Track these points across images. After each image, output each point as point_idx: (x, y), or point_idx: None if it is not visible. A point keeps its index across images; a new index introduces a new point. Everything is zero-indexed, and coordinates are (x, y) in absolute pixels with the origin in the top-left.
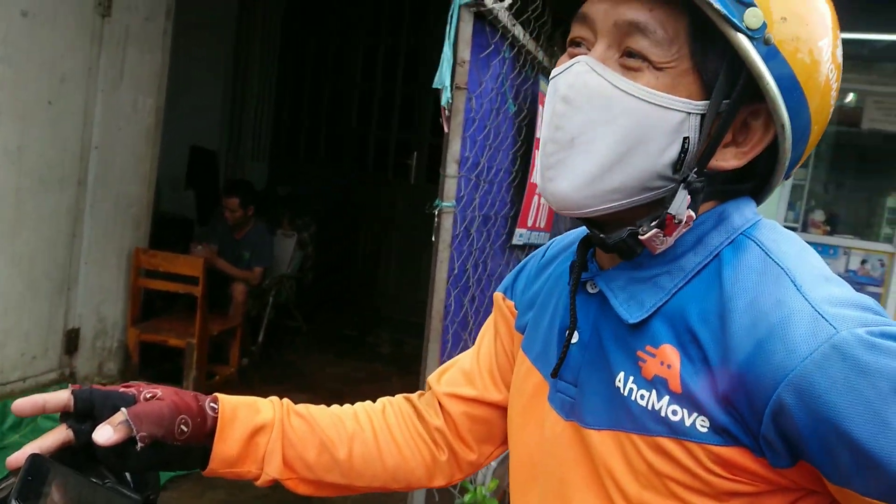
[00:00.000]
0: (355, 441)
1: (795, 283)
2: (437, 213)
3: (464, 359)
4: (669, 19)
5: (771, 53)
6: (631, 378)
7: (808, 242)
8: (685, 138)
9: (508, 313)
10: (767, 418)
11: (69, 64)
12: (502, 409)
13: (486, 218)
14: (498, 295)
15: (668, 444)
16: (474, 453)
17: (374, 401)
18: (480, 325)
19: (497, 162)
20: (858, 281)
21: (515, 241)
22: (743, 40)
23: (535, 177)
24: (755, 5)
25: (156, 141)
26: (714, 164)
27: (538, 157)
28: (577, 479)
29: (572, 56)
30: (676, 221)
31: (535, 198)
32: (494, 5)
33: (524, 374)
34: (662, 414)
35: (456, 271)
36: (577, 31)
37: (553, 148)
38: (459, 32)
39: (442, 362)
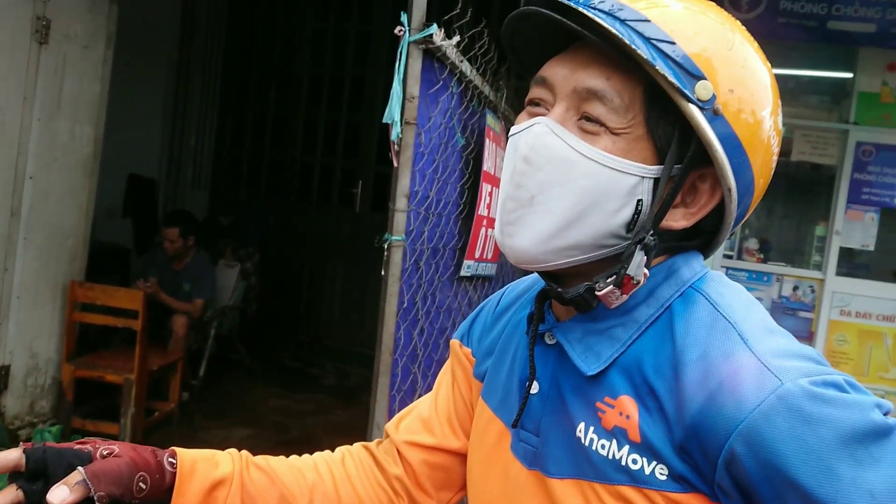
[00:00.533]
0: (316, 492)
1: (742, 336)
2: (386, 246)
3: (422, 405)
4: (626, 87)
5: (719, 122)
6: (591, 428)
7: (742, 269)
8: (639, 200)
9: (466, 361)
10: (721, 467)
11: (3, 92)
12: (461, 455)
13: (435, 250)
14: (454, 342)
15: (629, 492)
16: (433, 500)
17: (319, 434)
18: (430, 357)
19: (445, 195)
20: (791, 307)
21: (463, 272)
22: (694, 111)
23: (495, 229)
24: (706, 78)
25: (93, 171)
26: (665, 225)
27: (497, 212)
28: None
29: (532, 115)
30: (635, 282)
31: (483, 229)
32: (443, 42)
33: (485, 422)
34: (623, 463)
35: (405, 304)
36: (536, 92)
37: (513, 205)
38: (409, 69)
39: (392, 396)
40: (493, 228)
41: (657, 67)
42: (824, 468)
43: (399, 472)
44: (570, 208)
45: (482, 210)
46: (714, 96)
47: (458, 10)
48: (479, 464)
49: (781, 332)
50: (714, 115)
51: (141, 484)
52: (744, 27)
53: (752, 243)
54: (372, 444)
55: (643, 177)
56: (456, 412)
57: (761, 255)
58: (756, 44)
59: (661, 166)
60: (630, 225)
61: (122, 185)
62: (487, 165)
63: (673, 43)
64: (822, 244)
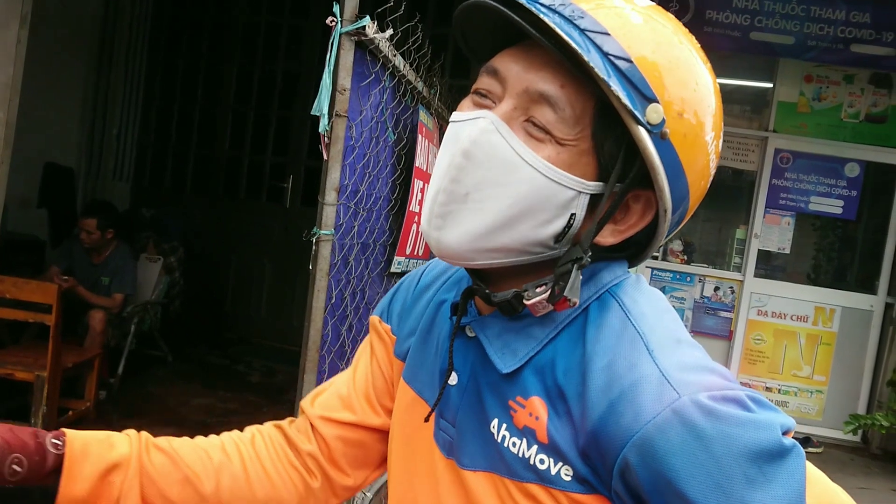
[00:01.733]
0: (223, 473)
1: (648, 347)
2: (314, 241)
3: (339, 382)
4: (578, 99)
5: (665, 146)
6: (504, 425)
7: (666, 270)
8: (572, 214)
9: (386, 337)
10: (616, 474)
11: None
12: (380, 433)
13: (365, 246)
14: (374, 318)
15: (537, 490)
16: (350, 478)
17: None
18: None
19: (376, 190)
20: (712, 307)
21: (394, 268)
22: (643, 134)
23: (422, 219)
24: (658, 101)
25: (4, 158)
26: (595, 240)
27: (426, 202)
28: None
29: (477, 105)
30: (571, 303)
31: (414, 226)
32: (375, 35)
33: (409, 403)
34: (532, 462)
35: (333, 300)
36: (485, 82)
37: (445, 198)
38: (340, 60)
39: None
40: None
41: (613, 88)
42: (713, 484)
43: (312, 448)
44: (503, 211)
45: (413, 206)
46: (664, 120)
47: (391, 3)
48: (402, 445)
49: (690, 343)
50: (661, 140)
51: (14, 466)
52: (697, 45)
53: (677, 245)
54: (284, 423)
55: (580, 192)
56: (374, 388)
57: (685, 257)
58: (705, 57)
59: (600, 183)
60: (559, 237)
61: (38, 174)
62: (419, 162)
63: (630, 61)
64: (742, 247)
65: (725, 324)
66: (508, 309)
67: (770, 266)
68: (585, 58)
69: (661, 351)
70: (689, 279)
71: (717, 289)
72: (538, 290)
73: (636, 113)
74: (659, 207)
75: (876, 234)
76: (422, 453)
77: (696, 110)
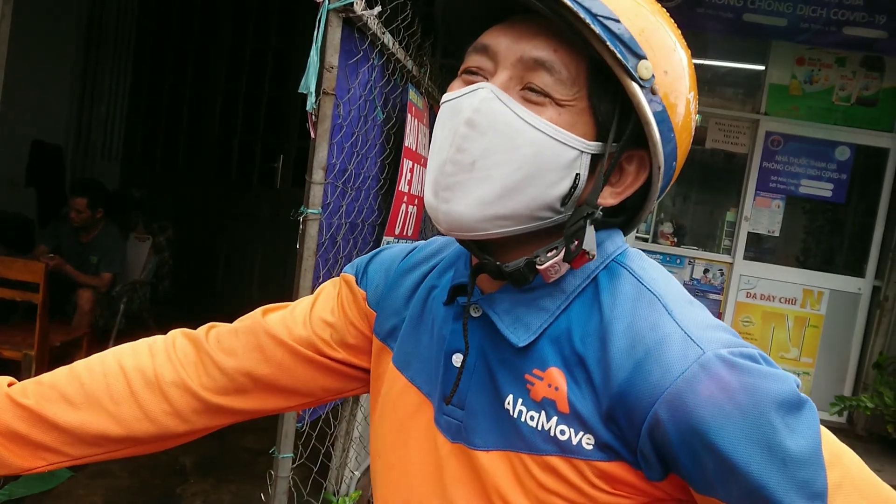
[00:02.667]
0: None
1: (667, 308)
2: (301, 220)
3: (298, 311)
4: (572, 60)
5: (655, 102)
6: (520, 400)
7: (657, 252)
8: (577, 175)
9: (362, 301)
10: (644, 433)
11: None
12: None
13: (353, 226)
14: (349, 277)
15: (557, 462)
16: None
17: None
18: None
19: (365, 169)
20: (702, 289)
21: None
22: (636, 89)
23: (426, 194)
24: (646, 58)
25: None
26: (597, 201)
27: (430, 176)
28: (465, 499)
29: (468, 83)
30: (590, 256)
31: (403, 206)
32: (364, 12)
33: (399, 390)
34: (552, 434)
35: (321, 280)
36: (474, 60)
37: (452, 169)
38: (328, 37)
39: None
40: (414, 206)
41: (607, 44)
42: (740, 434)
43: (235, 364)
44: (510, 175)
45: (403, 186)
46: (653, 76)
47: None
48: (392, 432)
49: (698, 304)
50: (652, 95)
51: None
52: (665, 11)
53: (667, 227)
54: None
55: (583, 151)
56: (334, 332)
57: (675, 239)
58: (678, 29)
59: (600, 143)
60: (565, 199)
61: (26, 152)
62: (409, 141)
63: (618, 21)
64: (732, 229)
65: (714, 306)
66: (521, 278)
67: (759, 249)
68: (581, 14)
69: (679, 311)
70: (679, 261)
71: (706, 271)
72: (549, 254)
73: (629, 67)
74: (653, 164)
75: (865, 218)
76: (418, 440)
77: (677, 70)
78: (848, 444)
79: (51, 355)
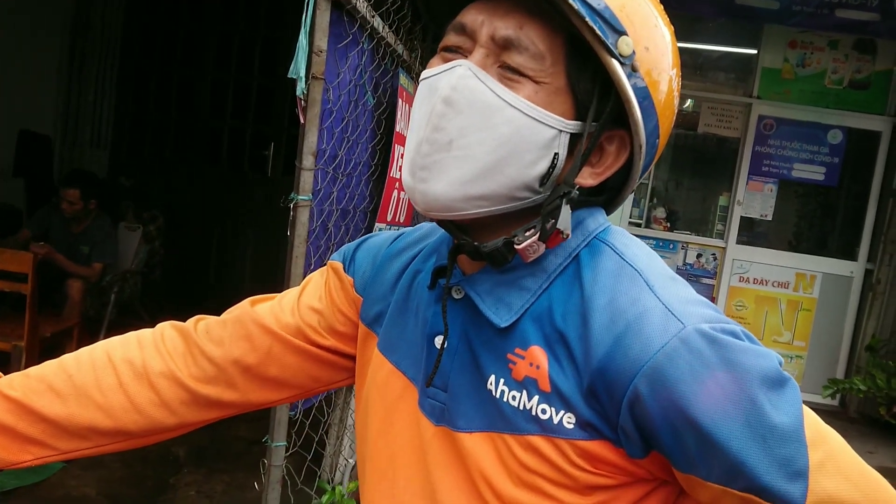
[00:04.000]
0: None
1: (648, 283)
2: (292, 206)
3: (286, 301)
4: (543, 36)
5: (636, 79)
6: (502, 380)
7: (650, 237)
8: (555, 154)
9: (350, 288)
10: (625, 408)
11: None
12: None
13: (345, 212)
14: (336, 264)
15: (539, 441)
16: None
17: None
18: None
19: (356, 155)
20: (695, 273)
21: None
22: (616, 65)
23: (403, 174)
24: (627, 34)
25: None
26: (576, 181)
27: (408, 156)
28: (449, 482)
29: (446, 60)
30: (564, 236)
31: (395, 192)
32: None
33: (385, 375)
34: (533, 413)
35: (312, 267)
36: (452, 39)
37: (428, 148)
38: (316, 21)
39: None
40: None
41: (586, 19)
42: (720, 409)
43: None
44: (488, 154)
45: (394, 172)
46: (633, 52)
47: None
48: (378, 419)
49: (681, 280)
50: (632, 72)
51: None
52: None
53: (660, 212)
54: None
55: (561, 130)
56: (323, 318)
57: (668, 224)
58: (661, 6)
59: (578, 122)
60: (544, 178)
61: (13, 141)
62: (400, 127)
63: None
64: (725, 214)
65: (708, 290)
66: (499, 258)
67: (752, 233)
68: None
69: (660, 286)
70: (672, 246)
71: (699, 256)
72: (527, 233)
73: (609, 44)
74: (634, 143)
75: (857, 201)
76: (402, 424)
77: (659, 46)
78: (840, 427)
79: (41, 346)
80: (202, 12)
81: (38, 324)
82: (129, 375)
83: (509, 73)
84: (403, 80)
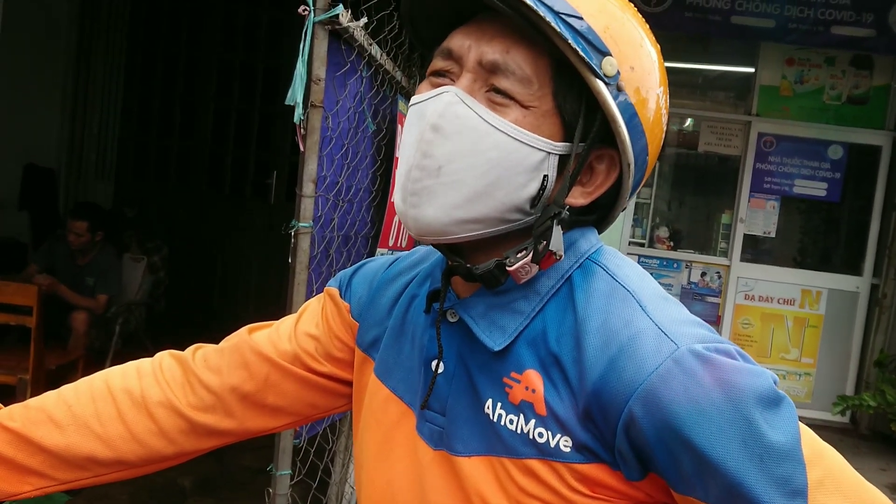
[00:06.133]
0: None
1: (641, 304)
2: (293, 233)
3: (282, 329)
4: (527, 60)
5: (622, 98)
6: (499, 404)
7: (653, 257)
8: (545, 176)
9: (346, 314)
10: (620, 431)
11: None
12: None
13: (346, 238)
14: (333, 290)
15: (536, 465)
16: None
17: None
18: None
19: (357, 181)
20: (699, 292)
21: None
22: (601, 86)
23: (395, 199)
24: (611, 54)
25: None
26: (566, 201)
27: (399, 181)
28: None
29: (435, 85)
30: (557, 257)
31: (396, 217)
32: (350, 24)
33: (382, 402)
34: (531, 437)
35: (314, 294)
36: (439, 63)
37: (418, 174)
38: (314, 50)
39: None
40: None
41: (569, 41)
42: (716, 430)
43: (221, 382)
44: (478, 180)
45: (395, 201)
46: (618, 72)
47: None
48: (375, 444)
49: (674, 300)
50: (618, 92)
51: None
52: (634, 7)
53: (663, 231)
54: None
55: (549, 153)
56: (320, 345)
57: (671, 243)
58: (646, 25)
59: (567, 143)
60: (534, 200)
61: (18, 176)
62: (400, 152)
63: (581, 18)
64: (728, 232)
65: (713, 309)
66: (492, 280)
67: (756, 250)
68: (541, 12)
69: (653, 307)
70: (675, 265)
71: (703, 274)
72: (519, 255)
73: (593, 65)
74: (622, 162)
75: (860, 216)
76: (401, 450)
77: (645, 65)
78: (852, 444)
79: (46, 379)
80: (202, 43)
81: (44, 356)
82: (127, 405)
83: (498, 97)
84: (402, 106)
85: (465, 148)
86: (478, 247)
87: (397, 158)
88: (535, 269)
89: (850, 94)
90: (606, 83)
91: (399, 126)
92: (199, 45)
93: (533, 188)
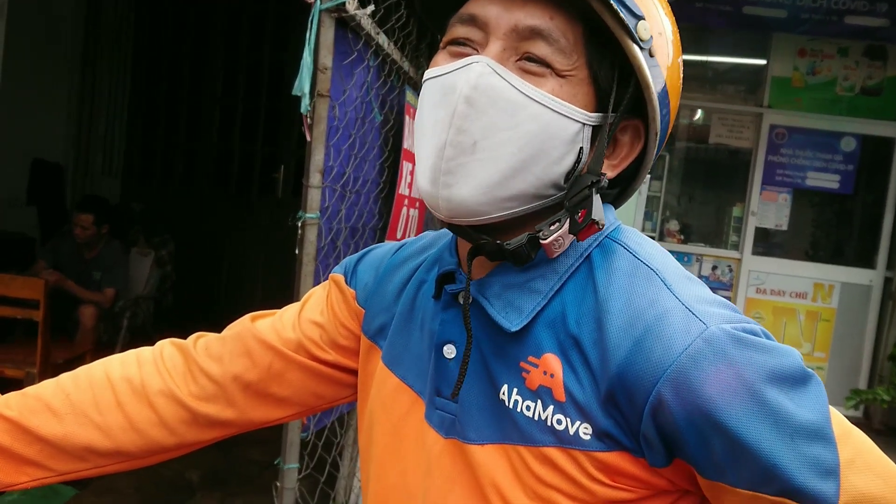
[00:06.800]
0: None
1: (665, 282)
2: (300, 224)
3: (286, 317)
4: (569, 27)
5: (653, 65)
6: (515, 390)
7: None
8: (580, 148)
9: (352, 301)
10: (647, 415)
11: None
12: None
13: (354, 230)
14: (338, 277)
15: (554, 453)
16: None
17: None
18: None
19: (364, 173)
20: (711, 286)
21: None
22: (636, 51)
23: (421, 182)
24: (645, 19)
25: None
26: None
27: (427, 162)
28: (460, 497)
29: (455, 55)
30: (599, 226)
31: (404, 209)
32: (357, 12)
33: (391, 391)
34: (549, 423)
35: None
36: (460, 31)
37: (453, 152)
38: (321, 38)
39: None
40: (415, 209)
41: (612, 2)
42: (748, 411)
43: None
44: (515, 156)
45: (403, 189)
46: (651, 37)
47: None
48: (385, 435)
49: (697, 280)
50: (650, 57)
51: None
52: None
53: (674, 225)
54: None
55: (585, 123)
56: (325, 332)
57: (682, 237)
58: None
59: (600, 114)
60: (569, 174)
61: (26, 171)
62: (408, 144)
63: None
64: (739, 225)
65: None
66: (522, 256)
67: (768, 243)
68: None
69: (678, 285)
70: (686, 259)
71: (715, 268)
72: (552, 227)
73: (631, 29)
74: (650, 131)
75: (873, 209)
76: (412, 440)
77: (669, 32)
78: None
79: (54, 373)
80: (207, 38)
81: (51, 350)
82: (127, 394)
83: (533, 66)
84: (410, 97)
85: (501, 122)
86: (507, 225)
87: (405, 150)
88: (570, 241)
89: (863, 85)
90: (641, 48)
91: (407, 117)
92: (205, 43)
93: (569, 161)
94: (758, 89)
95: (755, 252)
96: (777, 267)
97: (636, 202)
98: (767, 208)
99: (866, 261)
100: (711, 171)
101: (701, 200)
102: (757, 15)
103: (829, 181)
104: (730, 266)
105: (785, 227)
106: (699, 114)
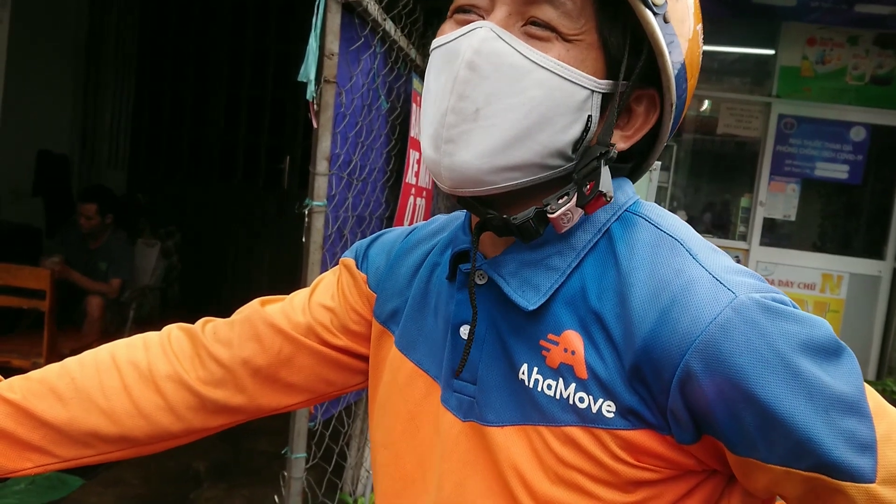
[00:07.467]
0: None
1: (691, 252)
2: (307, 212)
3: (296, 301)
4: None
5: (668, 31)
6: (535, 369)
7: None
8: (588, 116)
9: (363, 285)
10: (675, 389)
11: None
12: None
13: (360, 219)
14: (349, 261)
15: (576, 432)
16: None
17: None
18: None
19: (370, 161)
20: None
21: None
22: (650, 16)
23: (425, 150)
24: None
25: None
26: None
27: (429, 130)
28: (478, 481)
29: (461, 23)
30: (608, 199)
31: (411, 198)
32: None
33: (407, 376)
34: (571, 402)
35: None
36: None
37: (454, 119)
38: (327, 24)
39: None
40: (422, 198)
41: None
42: (781, 382)
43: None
44: (519, 122)
45: (410, 178)
46: (666, 2)
47: None
48: (401, 421)
49: (723, 252)
50: (664, 23)
51: None
52: None
53: (681, 215)
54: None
55: (593, 91)
56: (336, 317)
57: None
58: None
59: (611, 81)
60: (577, 144)
61: (32, 162)
62: (415, 132)
63: None
64: (747, 215)
65: None
66: (530, 232)
67: (776, 234)
68: None
69: (704, 255)
70: None
71: None
72: (560, 200)
73: None
74: (665, 101)
75: (883, 199)
76: (430, 426)
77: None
78: None
79: None
80: (212, 29)
81: (58, 341)
82: (133, 378)
83: (538, 30)
84: (417, 84)
85: (504, 87)
86: (513, 198)
87: (412, 138)
88: (579, 215)
89: (873, 75)
90: (655, 13)
91: (413, 105)
92: (210, 34)
93: (576, 130)
94: (766, 79)
95: (763, 243)
96: (785, 258)
97: (646, 191)
98: (776, 199)
99: (875, 251)
100: (719, 162)
101: (708, 191)
102: (766, 4)
103: (838, 171)
104: (738, 257)
105: (793, 218)
106: (707, 104)
